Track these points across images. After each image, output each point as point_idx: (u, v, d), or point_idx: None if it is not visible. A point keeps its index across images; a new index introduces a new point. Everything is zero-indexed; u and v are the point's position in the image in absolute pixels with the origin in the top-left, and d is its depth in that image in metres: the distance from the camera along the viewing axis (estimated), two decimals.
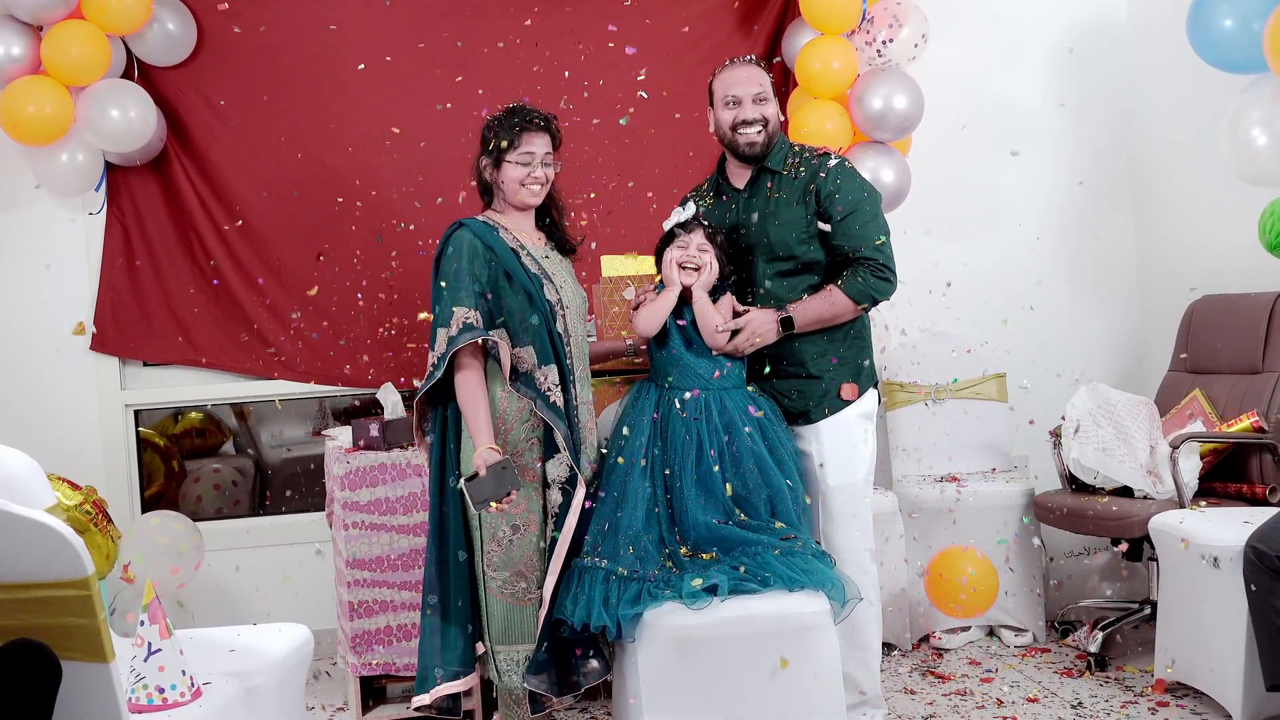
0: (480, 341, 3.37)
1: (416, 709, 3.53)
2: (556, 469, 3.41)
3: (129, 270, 4.82)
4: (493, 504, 3.22)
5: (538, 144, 3.46)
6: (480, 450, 3.27)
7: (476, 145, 3.54)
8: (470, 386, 3.35)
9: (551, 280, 3.46)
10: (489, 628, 3.43)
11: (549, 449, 3.42)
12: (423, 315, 3.83)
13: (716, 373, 3.56)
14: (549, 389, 3.39)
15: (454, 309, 3.32)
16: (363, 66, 4.82)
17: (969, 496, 4.68)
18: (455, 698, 3.48)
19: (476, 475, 3.23)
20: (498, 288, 3.40)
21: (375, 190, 4.82)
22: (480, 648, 3.47)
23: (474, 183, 3.59)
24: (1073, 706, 4.02)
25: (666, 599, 3.26)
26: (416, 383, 3.48)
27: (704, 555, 3.40)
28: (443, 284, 3.38)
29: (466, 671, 3.44)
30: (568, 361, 3.46)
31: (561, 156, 3.58)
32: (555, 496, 3.41)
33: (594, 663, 3.48)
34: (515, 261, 3.41)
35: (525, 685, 3.40)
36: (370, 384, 4.85)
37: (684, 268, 3.59)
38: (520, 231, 3.51)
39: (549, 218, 3.62)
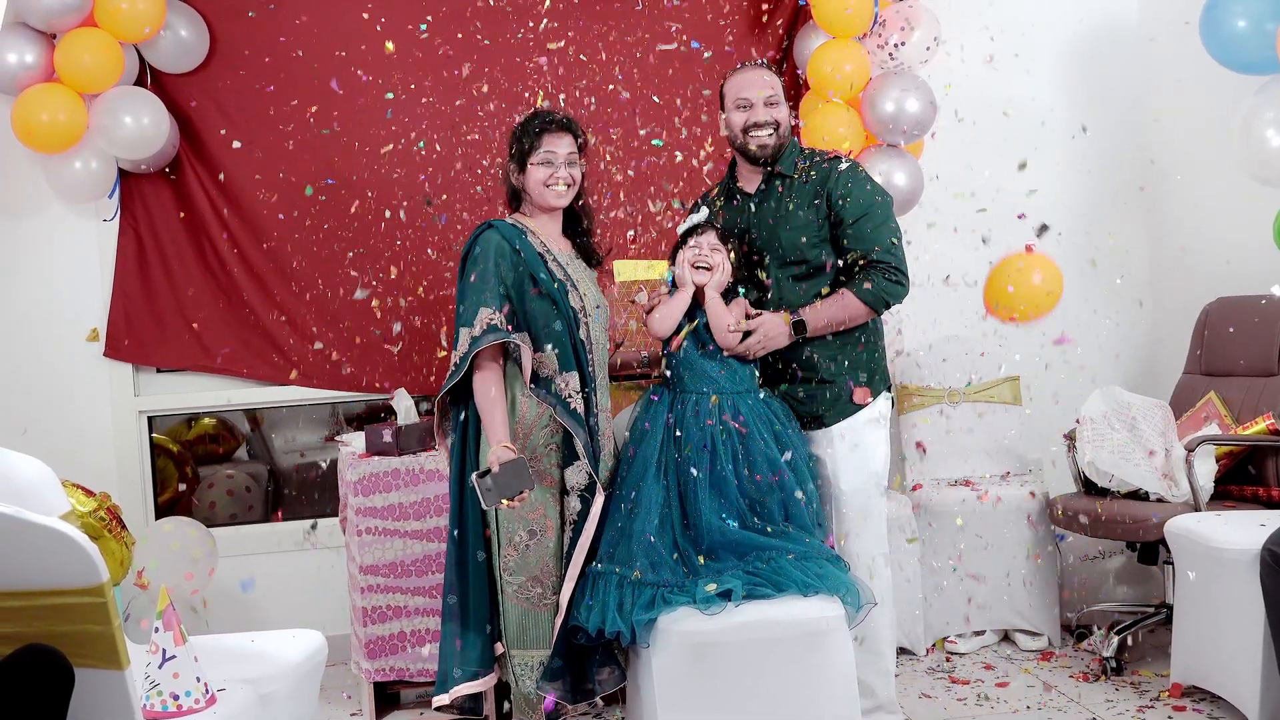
0: (503, 344, 3.37)
1: (436, 709, 3.53)
2: (575, 476, 3.41)
3: (142, 276, 4.82)
4: (504, 501, 3.20)
5: (560, 144, 3.47)
6: (495, 449, 3.28)
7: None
8: (488, 387, 3.36)
9: (576, 287, 3.47)
10: (505, 631, 3.43)
11: (568, 455, 3.42)
12: None
13: (723, 370, 3.56)
14: (569, 395, 3.38)
15: (478, 309, 3.32)
16: (371, 74, 4.84)
17: (983, 500, 4.67)
18: (476, 698, 3.49)
19: (489, 472, 3.23)
20: (522, 291, 3.40)
21: (388, 195, 4.82)
22: (499, 648, 3.47)
23: (503, 196, 3.61)
24: (1089, 711, 4.01)
25: (681, 604, 3.25)
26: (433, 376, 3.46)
27: (717, 560, 3.40)
28: (468, 284, 3.38)
29: (486, 672, 3.44)
30: (589, 369, 3.46)
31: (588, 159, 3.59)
32: (574, 504, 3.41)
33: (609, 670, 3.48)
34: (542, 266, 3.41)
35: (539, 691, 3.40)
36: (383, 389, 4.85)
37: (696, 267, 3.59)
38: (548, 237, 3.52)
39: (578, 226, 3.62)
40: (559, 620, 3.38)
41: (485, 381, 3.36)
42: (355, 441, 4.41)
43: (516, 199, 3.58)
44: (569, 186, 3.50)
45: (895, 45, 4.72)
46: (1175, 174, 5.13)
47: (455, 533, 3.45)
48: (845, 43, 4.74)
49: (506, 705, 3.52)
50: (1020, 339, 5.03)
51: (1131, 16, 5.29)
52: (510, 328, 3.34)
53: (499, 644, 3.46)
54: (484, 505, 3.25)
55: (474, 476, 3.24)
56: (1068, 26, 5.27)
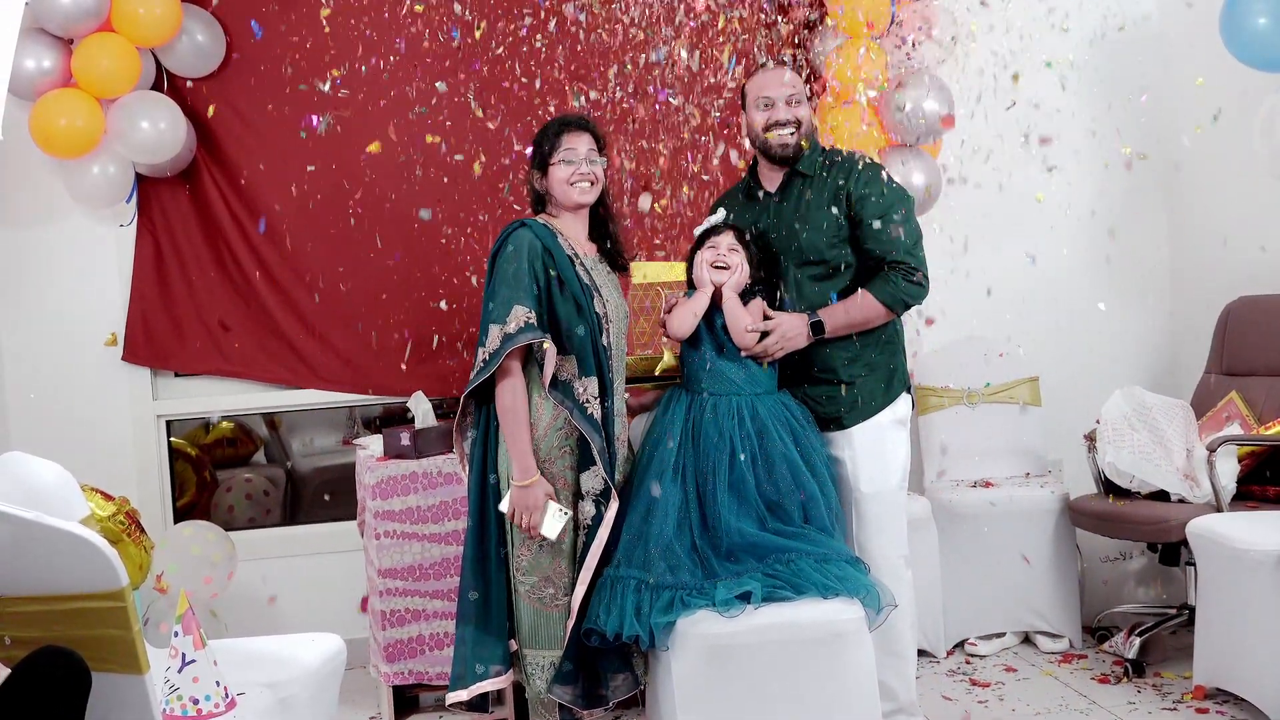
0: (526, 345, 3.35)
1: (450, 705, 3.52)
2: (591, 481, 3.39)
3: (160, 281, 4.83)
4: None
5: (579, 142, 3.47)
6: (515, 486, 3.31)
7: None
8: (513, 398, 3.34)
9: (599, 292, 3.45)
10: (518, 629, 3.43)
11: (583, 460, 3.40)
12: None
13: (741, 371, 3.54)
14: (587, 400, 3.36)
15: (512, 306, 3.29)
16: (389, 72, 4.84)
17: (1003, 501, 4.65)
18: (485, 696, 3.47)
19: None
20: (550, 292, 3.37)
21: (406, 200, 4.81)
22: (514, 645, 3.46)
23: (526, 195, 3.62)
24: (1111, 714, 3.98)
25: (700, 607, 3.24)
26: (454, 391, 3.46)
27: (736, 562, 3.38)
28: (501, 280, 3.35)
29: (504, 670, 3.43)
30: (609, 375, 3.44)
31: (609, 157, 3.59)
32: (588, 508, 3.39)
33: (623, 677, 3.46)
34: (571, 269, 3.40)
35: (550, 695, 3.39)
36: (401, 392, 4.84)
37: (715, 268, 3.58)
38: (575, 239, 3.51)
39: (604, 229, 3.61)
40: (570, 623, 3.37)
41: (512, 390, 3.34)
42: (373, 445, 4.41)
43: (540, 204, 3.57)
44: (592, 184, 3.49)
45: (913, 45, 4.70)
46: (1196, 172, 5.10)
47: (477, 528, 3.44)
48: (863, 43, 4.72)
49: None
50: (1040, 339, 5.00)
51: (1152, 14, 5.27)
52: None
53: (513, 641, 3.45)
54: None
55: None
56: (1087, 24, 5.24)
